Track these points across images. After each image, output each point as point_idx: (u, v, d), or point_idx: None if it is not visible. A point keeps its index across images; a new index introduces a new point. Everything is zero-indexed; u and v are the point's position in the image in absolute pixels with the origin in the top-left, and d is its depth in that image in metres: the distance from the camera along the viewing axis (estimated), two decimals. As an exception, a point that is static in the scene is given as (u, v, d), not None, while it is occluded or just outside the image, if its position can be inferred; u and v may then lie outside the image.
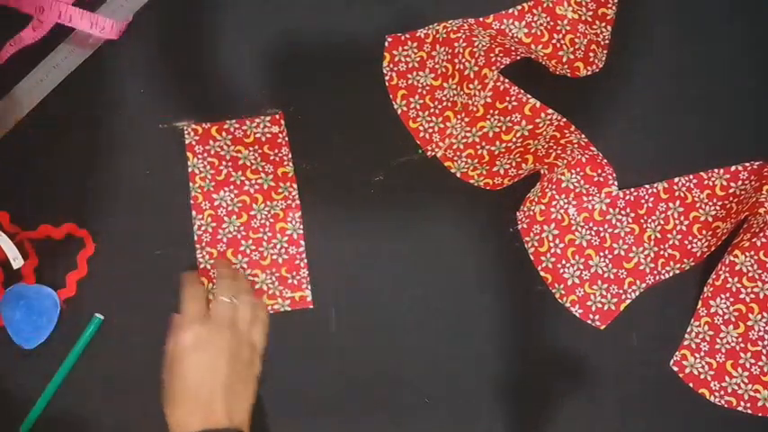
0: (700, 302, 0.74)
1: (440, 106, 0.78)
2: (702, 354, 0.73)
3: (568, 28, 0.79)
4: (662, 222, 0.76)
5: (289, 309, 0.75)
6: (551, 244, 0.75)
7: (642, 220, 0.76)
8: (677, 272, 0.75)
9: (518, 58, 0.75)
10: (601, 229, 0.76)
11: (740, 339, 0.73)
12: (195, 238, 0.75)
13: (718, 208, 0.76)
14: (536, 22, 0.79)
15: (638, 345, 0.74)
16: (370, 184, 0.77)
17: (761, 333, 0.73)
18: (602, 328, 0.74)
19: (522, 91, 0.75)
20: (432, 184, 0.77)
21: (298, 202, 0.76)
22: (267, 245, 0.75)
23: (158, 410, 0.71)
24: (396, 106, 0.79)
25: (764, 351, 0.73)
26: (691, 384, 0.73)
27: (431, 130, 0.78)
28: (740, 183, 0.76)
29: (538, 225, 0.75)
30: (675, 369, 0.73)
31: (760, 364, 0.73)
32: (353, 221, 0.76)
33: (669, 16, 0.81)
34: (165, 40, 0.80)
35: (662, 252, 0.76)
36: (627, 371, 0.74)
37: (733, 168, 0.76)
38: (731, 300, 0.73)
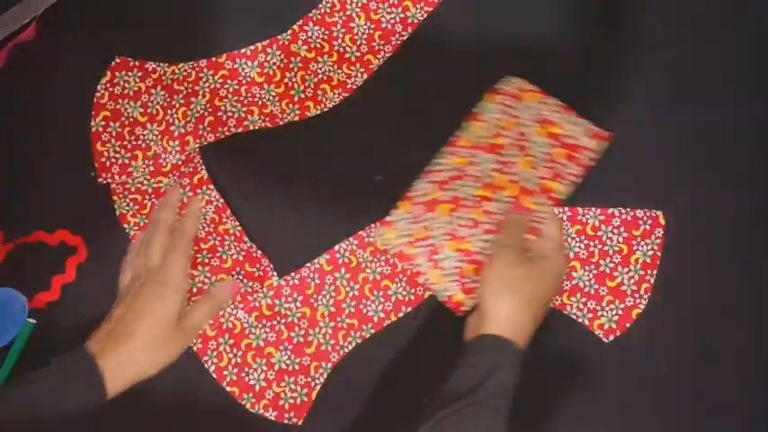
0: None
1: (133, 143, 0.77)
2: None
3: (300, 65, 0.79)
4: (333, 294, 0.74)
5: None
6: (230, 355, 0.73)
7: (312, 300, 0.74)
8: (359, 341, 0.73)
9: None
10: (274, 322, 0.73)
11: None
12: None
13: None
14: (269, 61, 0.79)
15: (638, 345, 0.75)
16: (370, 184, 0.77)
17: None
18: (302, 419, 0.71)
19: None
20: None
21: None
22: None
23: (157, 410, 0.71)
24: (93, 124, 0.77)
25: None
26: None
27: (113, 160, 0.77)
28: (611, 228, 0.75)
29: (213, 341, 0.73)
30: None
31: None
32: (353, 221, 0.76)
33: (669, 16, 0.81)
34: (164, 44, 0.80)
35: (339, 325, 0.73)
36: (627, 371, 0.74)
37: (610, 211, 0.75)
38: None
